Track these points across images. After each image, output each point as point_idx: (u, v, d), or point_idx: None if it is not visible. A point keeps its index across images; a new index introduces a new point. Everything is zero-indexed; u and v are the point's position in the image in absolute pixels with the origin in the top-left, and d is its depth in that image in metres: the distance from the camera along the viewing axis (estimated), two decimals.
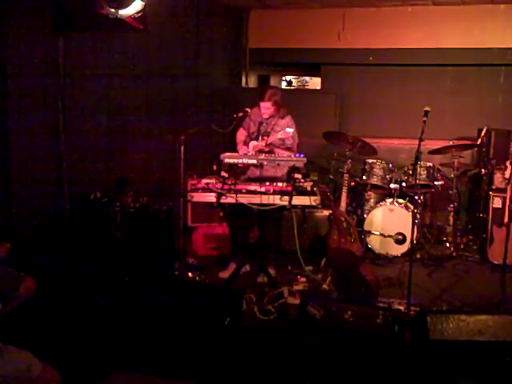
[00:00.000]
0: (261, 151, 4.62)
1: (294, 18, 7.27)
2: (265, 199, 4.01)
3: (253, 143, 4.76)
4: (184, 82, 6.12)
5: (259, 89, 4.80)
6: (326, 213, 5.34)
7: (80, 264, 4.09)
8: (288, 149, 4.71)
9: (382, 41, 7.02)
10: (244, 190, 4.05)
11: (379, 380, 3.11)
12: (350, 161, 5.33)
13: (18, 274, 3.21)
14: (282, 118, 4.74)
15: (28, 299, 3.20)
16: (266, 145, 4.60)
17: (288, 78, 9.89)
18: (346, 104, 7.29)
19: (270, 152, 4.61)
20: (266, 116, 4.74)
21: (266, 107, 4.67)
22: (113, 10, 3.81)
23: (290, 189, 4.03)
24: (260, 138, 4.71)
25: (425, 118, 3.98)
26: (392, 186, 5.68)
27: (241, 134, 4.94)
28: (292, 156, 4.32)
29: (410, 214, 5.22)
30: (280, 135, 4.52)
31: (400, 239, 5.43)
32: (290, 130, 4.54)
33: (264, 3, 7.04)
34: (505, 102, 6.82)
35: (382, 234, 5.48)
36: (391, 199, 5.61)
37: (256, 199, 4.02)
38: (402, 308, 3.91)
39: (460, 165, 5.65)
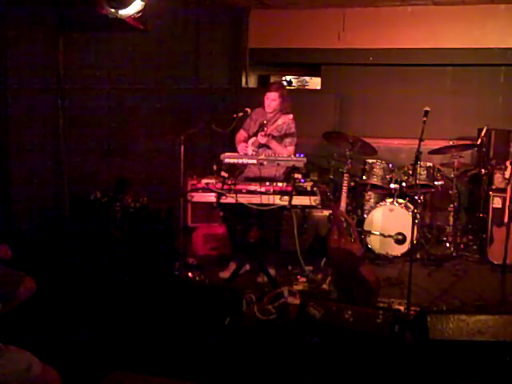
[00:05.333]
0: (259, 145, 4.61)
1: (294, 18, 7.26)
2: (265, 199, 4.01)
3: (252, 139, 4.75)
4: (184, 81, 6.12)
5: (265, 84, 4.82)
6: (326, 213, 5.34)
7: (80, 264, 4.09)
8: (286, 136, 4.69)
9: (381, 41, 7.02)
10: (244, 190, 4.06)
11: (379, 380, 3.11)
12: (349, 161, 5.33)
13: (18, 273, 3.21)
14: (285, 113, 4.73)
15: (28, 299, 3.20)
16: (265, 135, 4.58)
17: (288, 77, 9.87)
18: (346, 104, 7.29)
19: (267, 146, 4.60)
20: (269, 109, 4.72)
21: (272, 98, 4.68)
22: (113, 10, 3.82)
23: (289, 189, 4.03)
24: (259, 133, 4.70)
25: (425, 118, 3.98)
26: (392, 186, 5.68)
27: (240, 135, 4.94)
28: (292, 156, 4.32)
29: (410, 214, 5.22)
30: (280, 122, 4.53)
31: (400, 239, 5.43)
32: (289, 117, 4.57)
33: (264, 3, 7.04)
34: (505, 102, 6.82)
35: (382, 234, 5.48)
36: (391, 199, 5.61)
37: (256, 199, 4.03)
38: (401, 308, 3.90)
39: (460, 165, 5.65)
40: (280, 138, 4.69)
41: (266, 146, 4.68)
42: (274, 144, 4.65)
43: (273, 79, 9.37)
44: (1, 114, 3.97)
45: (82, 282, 3.97)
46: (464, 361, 3.18)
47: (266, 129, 4.60)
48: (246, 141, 4.84)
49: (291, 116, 4.59)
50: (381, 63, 7.15)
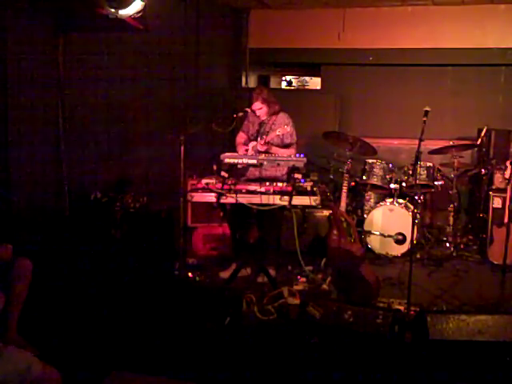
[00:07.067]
0: (259, 151, 4.62)
1: (294, 18, 7.26)
2: (265, 199, 4.01)
3: (252, 143, 4.76)
4: (184, 82, 6.11)
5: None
6: (326, 213, 5.33)
7: (80, 264, 4.09)
8: (287, 146, 4.70)
9: (381, 41, 7.01)
10: (244, 190, 4.06)
11: (379, 380, 3.11)
12: (349, 161, 5.33)
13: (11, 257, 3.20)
14: (276, 114, 4.73)
15: (28, 298, 3.20)
16: (265, 143, 4.59)
17: (288, 77, 9.88)
18: (346, 104, 7.29)
19: (268, 152, 4.60)
20: (263, 117, 4.75)
21: (258, 107, 4.68)
22: (113, 10, 3.81)
23: (289, 189, 4.03)
24: (259, 138, 4.71)
25: (425, 118, 3.98)
26: (392, 186, 5.68)
27: (240, 137, 4.94)
28: (292, 156, 4.32)
29: (410, 214, 5.22)
30: (278, 132, 4.52)
31: (400, 239, 5.43)
32: (288, 127, 4.55)
33: (264, 3, 7.04)
34: (505, 102, 6.82)
35: (382, 234, 5.49)
36: (391, 199, 5.62)
37: (256, 199, 4.03)
38: (402, 308, 3.91)
39: (460, 165, 5.65)
40: (281, 146, 4.70)
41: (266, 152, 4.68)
42: (274, 149, 4.66)
43: (273, 79, 9.38)
44: (1, 113, 3.97)
45: (81, 282, 3.97)
46: (464, 361, 3.18)
47: (264, 137, 4.60)
48: (246, 143, 4.85)
49: (288, 129, 4.56)
50: (381, 63, 7.15)
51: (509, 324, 3.27)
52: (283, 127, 4.50)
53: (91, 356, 3.18)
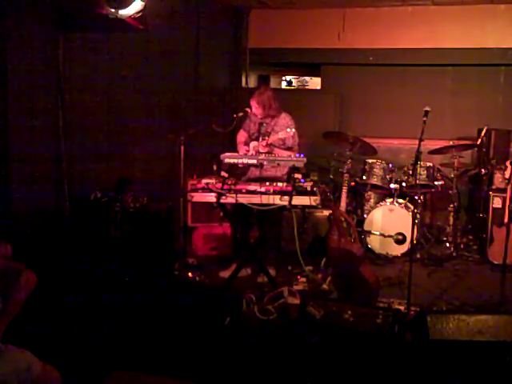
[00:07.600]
0: (260, 152, 4.62)
1: (294, 18, 7.26)
2: (265, 199, 4.02)
3: (253, 143, 4.76)
4: (184, 82, 6.12)
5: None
6: (326, 213, 5.34)
7: (80, 264, 4.09)
8: (289, 148, 4.70)
9: (381, 41, 7.01)
10: (244, 190, 4.06)
11: (379, 380, 3.11)
12: (349, 161, 5.33)
13: (18, 264, 3.19)
14: (277, 116, 4.72)
15: (29, 297, 3.20)
16: (267, 145, 4.59)
17: (288, 77, 9.88)
18: (346, 104, 7.29)
19: (270, 152, 4.60)
20: (259, 116, 4.72)
21: (254, 106, 4.67)
22: (113, 10, 3.82)
23: (289, 189, 4.04)
24: (260, 138, 4.70)
25: (425, 118, 3.98)
26: (392, 186, 5.68)
27: (241, 136, 4.94)
28: (292, 156, 4.32)
29: (410, 214, 5.22)
30: (281, 135, 4.51)
31: (400, 239, 5.43)
32: (291, 130, 4.53)
33: (264, 3, 7.04)
34: (505, 102, 6.82)
35: (382, 234, 5.48)
36: (391, 199, 5.62)
37: (256, 199, 4.03)
38: (402, 308, 3.91)
39: (460, 165, 5.65)
40: (283, 147, 4.70)
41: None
42: (276, 150, 4.65)
43: (273, 79, 9.37)
44: (1, 113, 3.97)
45: (81, 282, 3.97)
46: (464, 361, 3.18)
47: (266, 138, 4.60)
48: (247, 142, 4.85)
49: (291, 132, 4.48)
50: (381, 63, 7.14)
51: (509, 324, 3.27)
52: (285, 131, 4.48)
53: (91, 356, 3.18)
